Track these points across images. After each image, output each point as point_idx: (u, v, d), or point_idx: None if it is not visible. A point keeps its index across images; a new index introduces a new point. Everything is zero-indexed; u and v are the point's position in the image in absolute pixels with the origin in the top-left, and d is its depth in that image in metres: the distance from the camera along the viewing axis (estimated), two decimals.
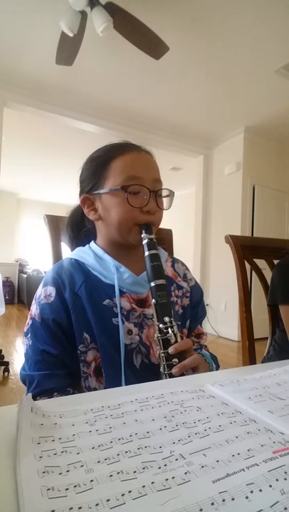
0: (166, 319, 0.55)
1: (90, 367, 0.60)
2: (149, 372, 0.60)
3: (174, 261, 0.77)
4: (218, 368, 0.71)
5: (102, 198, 0.64)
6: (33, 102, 3.18)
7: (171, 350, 0.53)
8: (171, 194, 0.68)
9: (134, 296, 0.64)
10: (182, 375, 0.53)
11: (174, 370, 0.52)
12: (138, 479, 0.22)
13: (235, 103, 3.29)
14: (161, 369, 0.54)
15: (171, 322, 0.55)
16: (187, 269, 0.78)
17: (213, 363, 0.69)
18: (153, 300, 0.57)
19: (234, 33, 2.34)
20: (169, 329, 0.55)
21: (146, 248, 0.60)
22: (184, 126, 3.81)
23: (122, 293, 0.63)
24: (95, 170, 0.66)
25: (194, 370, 0.56)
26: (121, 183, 0.61)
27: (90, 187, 0.66)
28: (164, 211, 0.67)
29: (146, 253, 0.60)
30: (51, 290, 0.62)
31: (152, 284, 0.58)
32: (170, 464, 0.24)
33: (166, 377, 0.52)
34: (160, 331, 0.55)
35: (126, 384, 0.57)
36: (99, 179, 0.65)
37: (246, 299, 1.03)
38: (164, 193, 0.67)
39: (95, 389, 0.59)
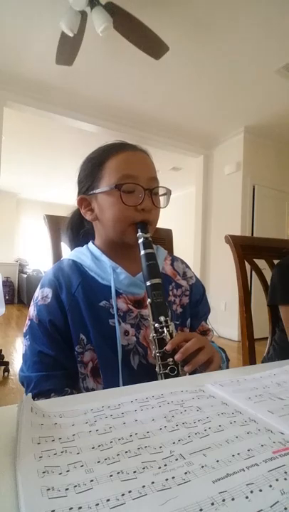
0: (162, 318, 0.55)
1: (87, 367, 0.60)
2: (146, 373, 0.59)
3: (174, 259, 0.77)
4: (228, 359, 0.69)
5: (97, 198, 0.65)
6: (33, 102, 3.18)
7: (168, 346, 0.52)
8: (167, 192, 0.68)
9: (130, 297, 0.64)
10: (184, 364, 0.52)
11: (176, 356, 0.51)
12: (138, 479, 0.22)
13: (235, 103, 3.29)
14: (157, 369, 0.53)
15: (166, 321, 0.55)
16: (187, 266, 0.78)
17: (222, 353, 0.66)
18: (148, 299, 0.57)
19: (234, 33, 2.34)
20: (164, 329, 0.54)
21: (141, 247, 0.60)
22: (184, 126, 3.80)
23: (118, 294, 0.63)
24: (91, 170, 0.66)
25: (201, 350, 0.54)
26: (115, 182, 0.61)
27: (87, 187, 0.66)
28: (162, 211, 0.67)
29: (142, 252, 0.60)
30: (48, 291, 0.62)
31: (148, 283, 0.58)
32: (170, 463, 0.24)
33: (161, 377, 0.52)
34: (155, 330, 0.55)
35: (123, 385, 0.57)
36: (94, 179, 0.65)
37: (246, 299, 1.03)
38: (161, 191, 0.67)
39: (93, 389, 0.59)
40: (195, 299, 0.74)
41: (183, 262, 0.78)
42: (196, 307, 0.74)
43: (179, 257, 0.80)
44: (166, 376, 0.51)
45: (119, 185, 0.61)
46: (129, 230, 0.62)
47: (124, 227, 0.62)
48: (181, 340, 0.54)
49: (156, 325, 0.55)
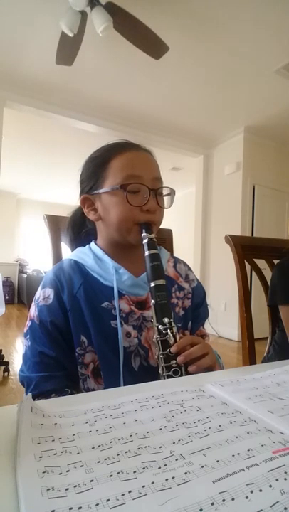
0: (166, 320, 0.54)
1: (88, 368, 0.60)
2: (147, 375, 0.59)
3: (176, 261, 0.76)
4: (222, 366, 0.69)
5: (101, 198, 0.64)
6: (33, 102, 3.18)
7: (173, 349, 0.52)
8: (172, 192, 0.68)
9: (133, 298, 0.64)
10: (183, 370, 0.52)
11: (179, 359, 0.51)
12: (138, 479, 0.22)
13: (235, 103, 3.29)
14: (160, 371, 0.53)
15: (170, 323, 0.54)
16: (189, 269, 0.77)
17: (220, 360, 0.67)
18: (152, 301, 0.57)
19: (234, 33, 2.34)
20: (168, 330, 0.54)
21: (146, 248, 0.60)
22: (184, 126, 3.80)
23: (121, 295, 0.63)
24: (95, 170, 0.65)
25: (204, 357, 0.54)
26: (120, 182, 0.61)
27: (90, 187, 0.66)
28: (164, 211, 0.67)
29: (146, 253, 0.59)
30: (49, 292, 0.62)
31: (152, 284, 0.57)
32: (170, 463, 0.24)
33: (164, 379, 0.51)
34: (159, 332, 0.54)
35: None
36: (98, 179, 0.64)
37: (246, 299, 1.03)
38: (165, 191, 0.67)
39: (94, 390, 0.59)
40: (196, 302, 0.74)
41: (185, 264, 0.78)
42: (196, 310, 0.74)
43: (180, 258, 0.79)
44: (170, 378, 0.51)
45: (125, 185, 0.60)
46: (133, 230, 0.62)
47: (128, 227, 0.62)
48: (187, 343, 0.54)
49: (160, 326, 0.54)
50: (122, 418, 0.30)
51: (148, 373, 0.60)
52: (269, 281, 1.08)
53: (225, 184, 4.14)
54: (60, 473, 0.22)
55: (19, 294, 6.60)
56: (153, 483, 0.21)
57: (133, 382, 0.43)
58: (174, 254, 0.84)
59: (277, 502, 0.20)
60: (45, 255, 0.91)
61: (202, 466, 0.23)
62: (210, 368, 0.55)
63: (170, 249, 0.98)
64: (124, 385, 0.57)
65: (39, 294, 0.63)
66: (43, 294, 0.62)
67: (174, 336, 0.54)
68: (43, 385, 0.56)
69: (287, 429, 0.29)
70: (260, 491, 0.21)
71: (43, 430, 0.28)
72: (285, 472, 0.22)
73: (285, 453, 0.25)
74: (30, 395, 0.33)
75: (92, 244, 0.70)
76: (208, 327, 4.02)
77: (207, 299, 0.79)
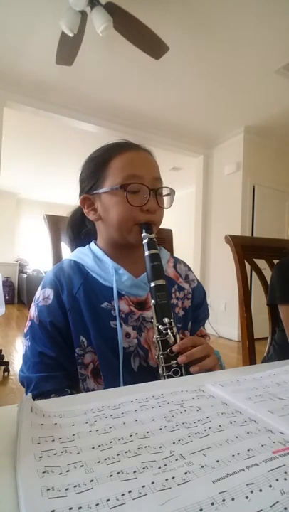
0: (166, 320, 0.54)
1: (88, 368, 0.60)
2: (147, 375, 0.59)
3: (176, 261, 0.76)
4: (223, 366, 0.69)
5: (101, 198, 0.64)
6: (33, 102, 3.18)
7: (175, 348, 0.52)
8: (171, 192, 0.68)
9: (133, 298, 0.64)
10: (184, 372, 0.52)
11: (180, 359, 0.51)
12: (138, 479, 0.22)
13: (235, 103, 3.29)
14: (160, 371, 0.53)
15: (170, 323, 0.54)
16: (190, 269, 0.77)
17: (222, 361, 0.67)
18: (152, 301, 0.57)
19: (234, 33, 2.34)
20: (168, 330, 0.54)
21: (146, 248, 0.60)
22: (184, 126, 3.80)
23: (120, 295, 0.63)
24: (94, 170, 0.65)
25: (204, 358, 0.54)
26: (120, 182, 0.61)
27: (90, 187, 0.66)
28: (164, 211, 0.67)
29: (147, 253, 0.59)
30: (49, 292, 0.62)
31: (152, 284, 0.57)
32: (170, 464, 0.24)
33: (164, 379, 0.51)
34: (159, 332, 0.54)
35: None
36: (98, 179, 0.64)
37: (246, 299, 1.03)
38: (165, 191, 0.67)
39: (94, 390, 0.59)
40: (196, 303, 0.73)
41: (185, 264, 0.78)
42: (196, 311, 0.73)
43: (180, 258, 0.79)
44: (170, 378, 0.51)
45: (125, 185, 0.60)
46: (133, 230, 0.62)
47: (128, 227, 0.62)
48: (189, 344, 0.54)
49: (160, 326, 0.54)
50: (122, 418, 0.30)
51: (147, 374, 0.60)
52: (269, 281, 1.09)
53: (225, 184, 4.14)
54: (60, 473, 0.22)
55: (19, 294, 6.60)
56: (153, 483, 0.21)
57: (132, 382, 0.43)
58: (174, 254, 0.84)
59: (277, 502, 0.20)
60: (45, 255, 0.91)
61: (202, 466, 0.23)
62: (211, 370, 0.55)
63: (170, 249, 0.98)
64: (124, 385, 0.57)
65: (39, 294, 0.63)
66: (43, 295, 0.62)
67: (174, 336, 0.54)
68: (43, 385, 0.56)
69: (287, 429, 0.29)
70: (260, 491, 0.21)
71: (43, 430, 0.28)
72: (285, 472, 0.22)
73: (285, 453, 0.25)
74: (30, 395, 0.33)
75: (92, 244, 0.70)
76: (208, 327, 4.02)
77: (207, 299, 0.79)
